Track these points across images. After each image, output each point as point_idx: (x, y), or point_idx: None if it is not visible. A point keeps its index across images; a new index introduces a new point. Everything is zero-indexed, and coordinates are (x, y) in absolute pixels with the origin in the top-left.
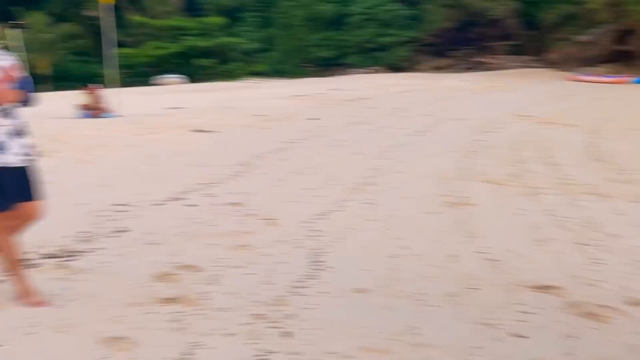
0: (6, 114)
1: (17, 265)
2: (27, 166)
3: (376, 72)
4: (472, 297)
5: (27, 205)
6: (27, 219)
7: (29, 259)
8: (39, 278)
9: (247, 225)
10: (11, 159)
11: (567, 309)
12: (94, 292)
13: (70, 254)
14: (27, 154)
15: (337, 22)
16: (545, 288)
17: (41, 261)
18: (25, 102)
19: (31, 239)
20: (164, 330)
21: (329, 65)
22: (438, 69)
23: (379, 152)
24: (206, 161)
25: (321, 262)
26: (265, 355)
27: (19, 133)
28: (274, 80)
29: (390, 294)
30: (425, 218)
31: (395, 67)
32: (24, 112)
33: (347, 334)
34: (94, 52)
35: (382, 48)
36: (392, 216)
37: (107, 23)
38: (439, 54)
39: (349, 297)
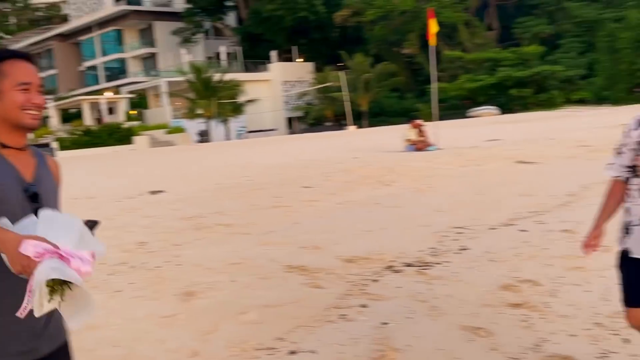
0: None
1: None
2: None
3: None
4: None
5: None
6: None
7: (393, 266)
8: (405, 281)
9: (580, 251)
10: None
11: None
12: (451, 294)
13: (425, 264)
14: None
15: None
16: None
17: (403, 268)
18: None
19: (391, 250)
20: (515, 326)
21: None
22: None
23: None
24: (533, 191)
25: None
26: (606, 355)
27: None
28: (596, 108)
29: None
30: None
31: None
32: None
33: None
34: (408, 88)
35: None
36: None
37: (425, 60)
38: None
39: None
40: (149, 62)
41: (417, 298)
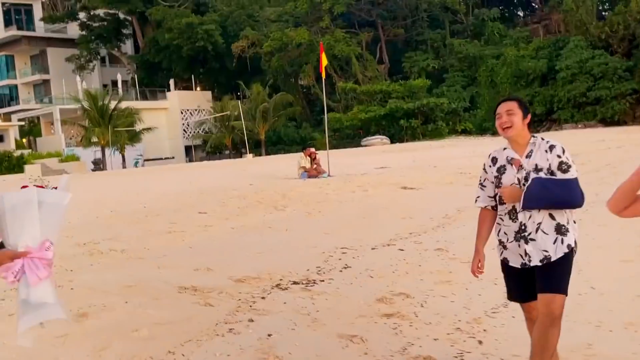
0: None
1: None
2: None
3: (589, 127)
4: None
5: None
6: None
7: (281, 285)
8: (290, 297)
9: (449, 266)
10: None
11: None
12: (331, 307)
13: (310, 282)
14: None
15: (545, 78)
16: None
17: (290, 286)
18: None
19: (280, 270)
20: (386, 333)
21: (539, 121)
22: None
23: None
24: (413, 214)
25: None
26: (462, 355)
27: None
28: (478, 138)
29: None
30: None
31: (612, 122)
32: None
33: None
34: (305, 118)
35: (596, 102)
36: (587, 263)
37: (321, 91)
38: None
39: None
40: (42, 88)
41: (300, 312)
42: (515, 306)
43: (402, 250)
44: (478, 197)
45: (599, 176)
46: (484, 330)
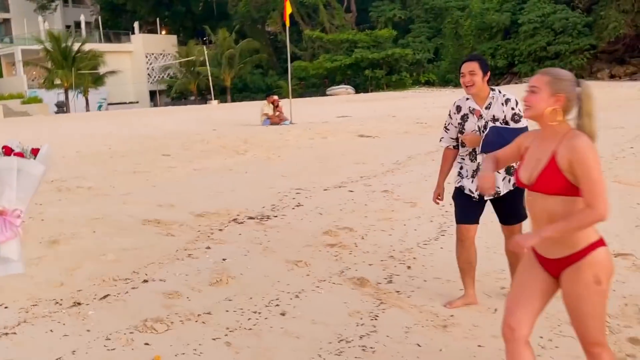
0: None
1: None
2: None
3: None
4: None
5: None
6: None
7: (237, 219)
8: (245, 230)
9: (393, 206)
10: None
11: None
12: (282, 239)
13: (264, 217)
14: None
15: (507, 32)
16: None
17: (245, 220)
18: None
19: (237, 207)
20: (327, 260)
21: (500, 74)
22: (616, 77)
23: None
24: (367, 160)
25: (444, 230)
26: (391, 277)
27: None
28: (441, 89)
29: None
30: None
31: None
32: None
33: (455, 269)
34: (271, 65)
35: (555, 56)
36: None
37: (285, 39)
38: (619, 61)
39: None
40: (2, 28)
41: (253, 242)
42: (445, 239)
43: (352, 191)
44: (442, 138)
45: None
46: (414, 258)
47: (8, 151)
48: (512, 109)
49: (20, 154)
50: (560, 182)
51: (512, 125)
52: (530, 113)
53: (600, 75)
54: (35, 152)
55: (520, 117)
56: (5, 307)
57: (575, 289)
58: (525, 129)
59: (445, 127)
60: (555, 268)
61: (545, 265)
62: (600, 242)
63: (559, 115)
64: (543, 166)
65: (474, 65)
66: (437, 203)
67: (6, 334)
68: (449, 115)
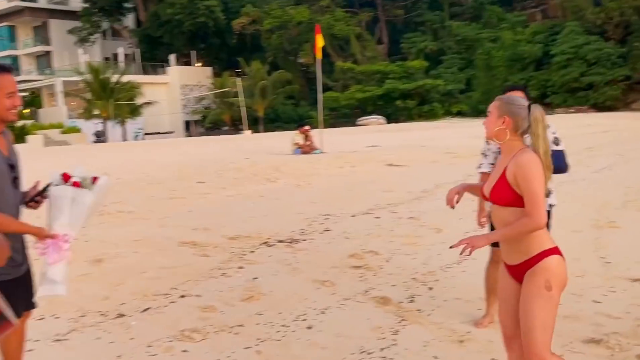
0: None
1: None
2: None
3: (581, 111)
4: None
5: None
6: None
7: (268, 242)
8: (275, 252)
9: (418, 232)
10: None
11: None
12: (310, 260)
13: (294, 241)
14: None
15: (540, 63)
16: None
17: (276, 243)
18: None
19: (268, 231)
20: (352, 280)
21: None
22: None
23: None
24: (394, 188)
25: (466, 256)
26: (413, 296)
27: None
28: (473, 120)
29: None
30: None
31: (603, 107)
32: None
33: (475, 290)
34: (303, 96)
35: (589, 87)
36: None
37: (318, 70)
38: None
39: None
40: (44, 60)
41: (283, 263)
42: (467, 263)
43: (379, 217)
44: (481, 164)
45: (577, 158)
46: (436, 280)
47: (67, 178)
48: (553, 133)
49: (77, 184)
50: (509, 194)
51: (553, 147)
52: (486, 133)
53: (635, 106)
54: (95, 180)
55: (559, 141)
56: (57, 317)
57: (526, 291)
58: (564, 152)
59: (483, 153)
60: (517, 274)
61: (510, 272)
62: (554, 250)
63: (505, 134)
64: (496, 180)
65: (518, 95)
66: (483, 226)
67: (59, 340)
68: (486, 141)
